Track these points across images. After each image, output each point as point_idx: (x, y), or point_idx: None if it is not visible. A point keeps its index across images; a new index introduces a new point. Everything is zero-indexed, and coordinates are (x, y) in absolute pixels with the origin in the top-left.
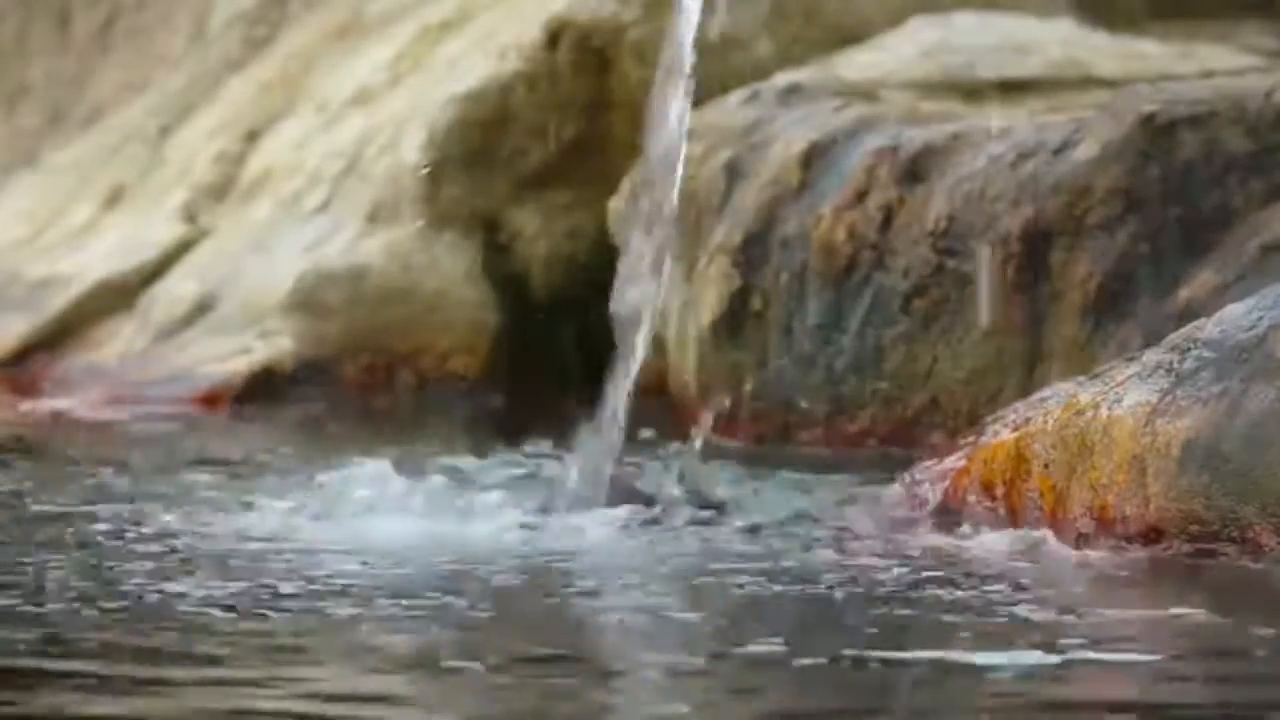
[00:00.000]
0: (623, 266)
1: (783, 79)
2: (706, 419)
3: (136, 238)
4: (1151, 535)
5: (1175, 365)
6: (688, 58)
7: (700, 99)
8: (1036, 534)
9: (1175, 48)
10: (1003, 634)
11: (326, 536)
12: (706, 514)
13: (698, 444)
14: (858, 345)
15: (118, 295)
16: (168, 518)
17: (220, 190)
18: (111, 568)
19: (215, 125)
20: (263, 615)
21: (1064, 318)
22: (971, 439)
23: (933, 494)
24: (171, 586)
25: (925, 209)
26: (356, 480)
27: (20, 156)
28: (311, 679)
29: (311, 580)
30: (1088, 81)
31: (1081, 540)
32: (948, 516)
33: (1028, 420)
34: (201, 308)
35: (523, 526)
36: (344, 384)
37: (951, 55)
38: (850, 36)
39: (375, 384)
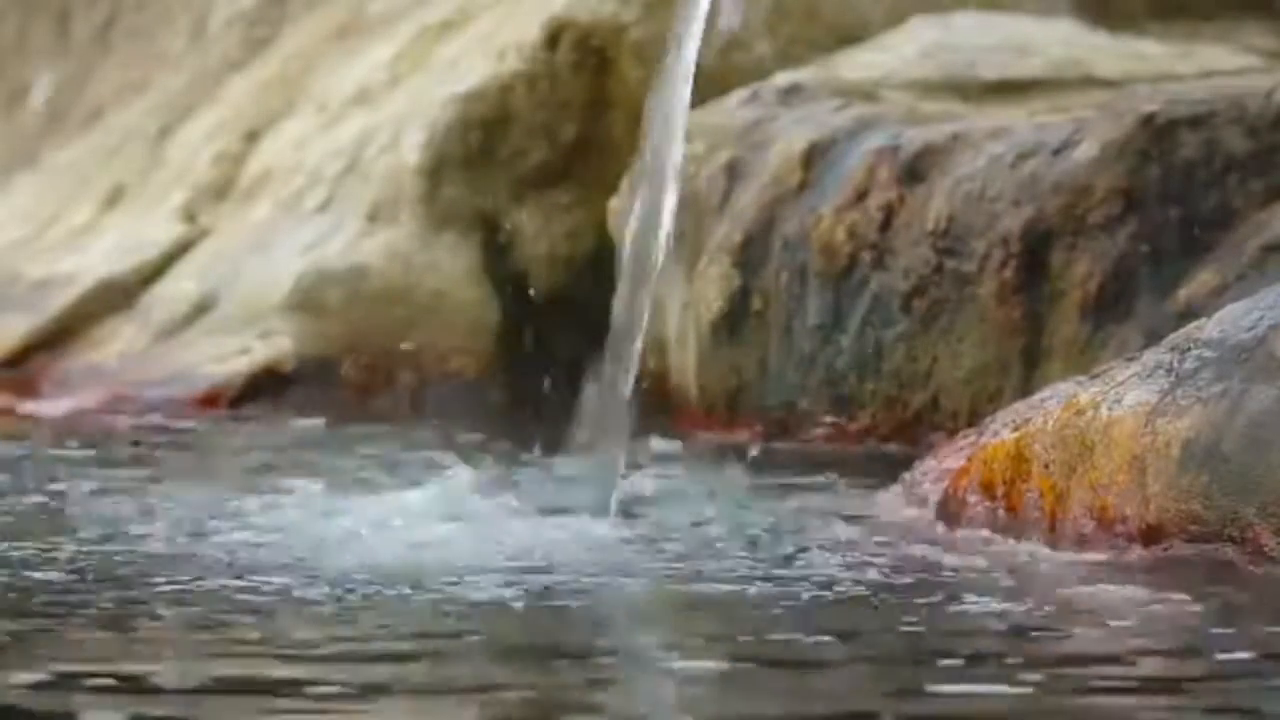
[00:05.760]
0: (621, 266)
1: (783, 79)
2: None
3: (136, 238)
4: (1151, 535)
5: (1175, 365)
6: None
7: (700, 99)
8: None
9: (1175, 48)
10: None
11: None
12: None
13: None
14: (858, 345)
15: (118, 295)
16: None
17: (220, 190)
18: None
19: (215, 125)
20: None
21: (1064, 318)
22: (971, 439)
23: (933, 494)
24: None
25: (925, 209)
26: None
27: (20, 156)
28: None
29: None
30: (1088, 81)
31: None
32: (947, 516)
33: (1028, 420)
34: (201, 308)
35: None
36: (344, 384)
37: (951, 55)
38: (850, 36)
39: (375, 384)
